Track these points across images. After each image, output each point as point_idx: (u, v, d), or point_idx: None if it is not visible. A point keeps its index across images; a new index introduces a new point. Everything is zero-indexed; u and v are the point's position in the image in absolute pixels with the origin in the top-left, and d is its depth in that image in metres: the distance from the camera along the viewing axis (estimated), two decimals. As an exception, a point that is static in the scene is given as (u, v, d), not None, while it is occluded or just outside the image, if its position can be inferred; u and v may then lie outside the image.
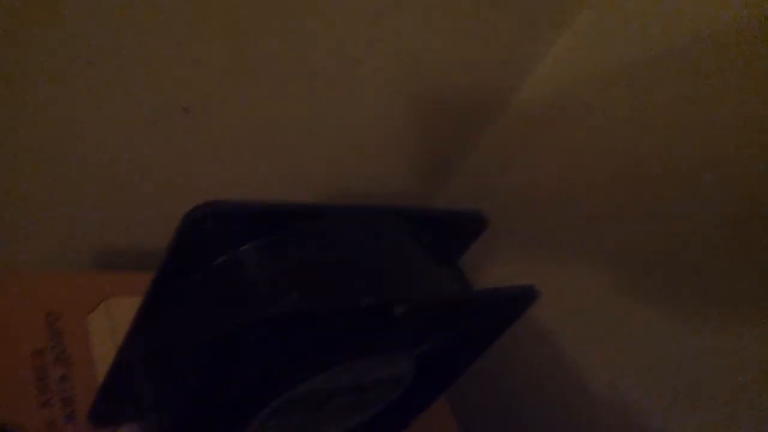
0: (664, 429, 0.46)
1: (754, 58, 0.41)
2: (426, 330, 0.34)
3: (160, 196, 0.49)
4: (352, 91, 0.49)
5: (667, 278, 0.47)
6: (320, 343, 0.30)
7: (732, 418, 0.42)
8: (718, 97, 0.43)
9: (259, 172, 0.52)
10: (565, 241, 0.54)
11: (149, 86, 0.42)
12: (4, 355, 0.37)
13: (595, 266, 0.51)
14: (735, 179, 0.42)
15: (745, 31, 0.41)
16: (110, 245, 0.50)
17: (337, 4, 0.43)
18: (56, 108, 0.40)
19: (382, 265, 0.29)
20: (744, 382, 0.42)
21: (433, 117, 0.55)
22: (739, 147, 0.42)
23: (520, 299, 0.33)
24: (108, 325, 0.40)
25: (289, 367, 0.30)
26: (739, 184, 0.42)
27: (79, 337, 0.39)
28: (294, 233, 0.28)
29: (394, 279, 0.29)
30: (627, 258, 0.49)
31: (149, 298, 0.28)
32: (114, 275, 0.43)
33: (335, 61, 0.46)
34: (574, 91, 0.52)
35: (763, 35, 0.40)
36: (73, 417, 0.36)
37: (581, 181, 0.53)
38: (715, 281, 0.43)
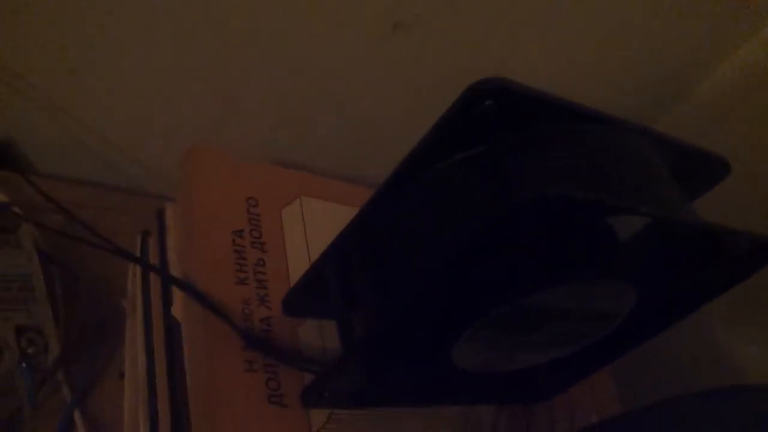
0: None
1: None
2: (656, 266, 0.32)
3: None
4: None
5: None
6: (554, 255, 0.28)
7: None
8: None
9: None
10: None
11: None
12: (208, 231, 0.37)
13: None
14: None
15: None
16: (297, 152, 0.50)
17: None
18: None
19: (649, 181, 0.27)
20: None
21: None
22: None
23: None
24: (300, 221, 0.40)
25: (517, 275, 0.28)
26: None
27: (274, 227, 0.39)
28: (560, 132, 0.26)
29: (660, 196, 0.27)
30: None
31: (398, 175, 0.27)
32: (310, 176, 0.43)
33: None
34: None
35: None
36: (267, 300, 0.36)
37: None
38: None
